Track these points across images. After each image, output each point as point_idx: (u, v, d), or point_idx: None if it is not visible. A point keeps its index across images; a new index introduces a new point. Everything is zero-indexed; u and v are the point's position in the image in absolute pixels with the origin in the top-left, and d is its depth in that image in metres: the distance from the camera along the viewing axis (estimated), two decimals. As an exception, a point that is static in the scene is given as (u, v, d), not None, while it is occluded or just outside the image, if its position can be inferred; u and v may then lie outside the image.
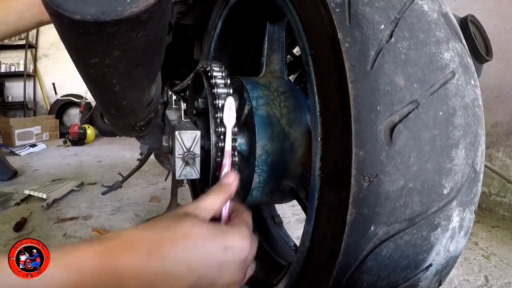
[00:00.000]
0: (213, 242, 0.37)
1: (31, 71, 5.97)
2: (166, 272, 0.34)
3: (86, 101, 5.07)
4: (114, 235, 0.35)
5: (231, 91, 0.56)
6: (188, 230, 0.37)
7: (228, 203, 0.47)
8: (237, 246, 0.39)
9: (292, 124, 0.55)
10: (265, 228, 0.90)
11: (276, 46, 0.68)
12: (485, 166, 1.14)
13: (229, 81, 0.58)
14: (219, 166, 0.52)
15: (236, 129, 0.52)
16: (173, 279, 0.34)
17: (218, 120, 0.53)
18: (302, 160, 0.55)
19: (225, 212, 0.46)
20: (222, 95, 0.55)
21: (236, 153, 0.52)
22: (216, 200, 0.44)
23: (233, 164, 0.50)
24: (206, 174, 0.58)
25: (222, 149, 0.51)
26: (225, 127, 0.51)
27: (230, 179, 0.47)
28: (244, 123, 0.59)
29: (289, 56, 1.10)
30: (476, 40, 1.01)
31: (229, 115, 0.51)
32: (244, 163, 0.59)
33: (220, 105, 0.53)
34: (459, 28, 0.41)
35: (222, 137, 0.52)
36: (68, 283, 0.29)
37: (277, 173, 0.55)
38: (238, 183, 0.47)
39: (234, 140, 0.51)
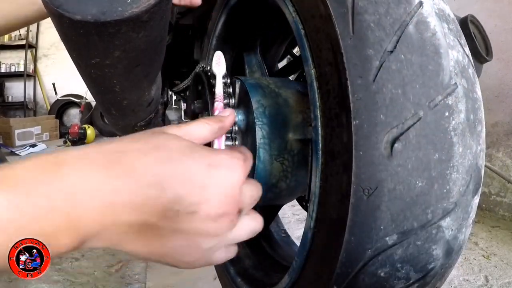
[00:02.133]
0: (193, 157, 0.29)
1: (31, 71, 5.97)
2: (130, 189, 0.26)
3: (86, 101, 5.07)
4: (68, 149, 0.27)
5: (233, 101, 0.58)
6: (163, 142, 0.29)
7: (222, 138, 0.40)
8: (225, 165, 0.30)
9: (280, 87, 0.59)
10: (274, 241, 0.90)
11: (256, 68, 0.78)
12: (485, 166, 1.14)
13: (229, 81, 0.58)
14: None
15: (228, 80, 0.54)
16: (139, 199, 0.26)
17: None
18: (299, 109, 0.56)
19: (218, 146, 0.40)
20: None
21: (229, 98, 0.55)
22: (205, 127, 0.34)
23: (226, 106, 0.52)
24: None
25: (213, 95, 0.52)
26: (215, 75, 0.53)
27: (225, 112, 0.39)
28: (238, 101, 0.61)
29: (289, 56, 1.10)
30: (476, 40, 1.01)
31: (219, 64, 0.52)
32: (245, 133, 0.60)
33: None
34: (463, 36, 0.41)
35: (213, 82, 0.53)
36: None
37: (279, 125, 0.55)
38: (234, 118, 0.40)
39: (225, 90, 0.54)
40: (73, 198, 0.24)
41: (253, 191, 0.33)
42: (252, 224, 0.33)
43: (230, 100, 0.57)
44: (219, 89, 0.51)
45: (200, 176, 0.28)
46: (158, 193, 0.26)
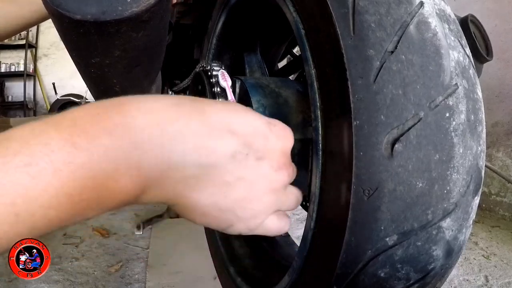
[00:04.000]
0: (254, 114, 0.30)
1: (31, 71, 5.97)
2: (201, 131, 0.25)
3: (86, 101, 5.07)
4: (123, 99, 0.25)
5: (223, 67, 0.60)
6: (223, 102, 0.30)
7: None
8: (281, 125, 0.31)
9: (280, 87, 0.59)
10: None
11: (256, 67, 0.79)
12: (485, 166, 1.14)
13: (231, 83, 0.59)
14: None
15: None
16: (211, 142, 0.25)
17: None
18: (299, 109, 0.56)
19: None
20: (222, 94, 0.56)
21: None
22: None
23: None
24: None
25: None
26: (222, 88, 0.55)
27: None
28: (238, 101, 0.61)
29: (289, 55, 1.10)
30: (476, 40, 1.01)
31: (225, 79, 0.55)
32: None
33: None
34: (463, 36, 0.41)
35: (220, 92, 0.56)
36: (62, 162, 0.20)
37: None
38: None
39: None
40: (137, 137, 0.23)
41: (295, 167, 0.34)
42: (297, 193, 0.34)
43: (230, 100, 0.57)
44: (230, 96, 0.54)
45: (263, 128, 0.29)
46: (229, 135, 0.26)
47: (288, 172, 0.31)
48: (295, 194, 0.33)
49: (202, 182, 0.26)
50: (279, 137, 0.30)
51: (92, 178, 0.21)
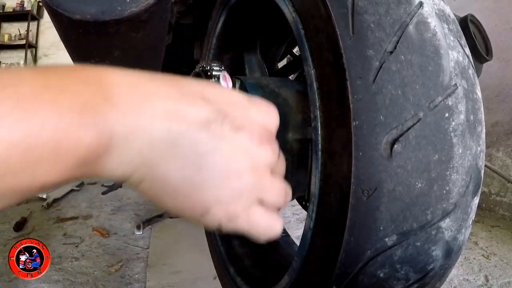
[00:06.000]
0: (234, 91, 0.28)
1: (31, 70, 5.96)
2: (171, 94, 0.24)
3: (86, 100, 5.06)
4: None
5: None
6: (202, 82, 0.28)
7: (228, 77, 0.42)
8: (263, 102, 0.29)
9: (280, 87, 0.59)
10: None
11: (256, 67, 0.78)
12: (485, 166, 1.14)
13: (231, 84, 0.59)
14: None
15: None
16: (183, 105, 0.24)
17: None
18: (299, 109, 0.56)
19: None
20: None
21: None
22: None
23: None
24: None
25: None
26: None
27: None
28: None
29: (289, 55, 1.10)
30: (476, 40, 1.01)
31: (226, 80, 0.53)
32: None
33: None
34: (463, 36, 0.41)
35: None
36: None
37: (279, 124, 0.56)
38: None
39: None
40: (108, 91, 0.22)
41: (284, 166, 0.31)
42: (284, 185, 0.29)
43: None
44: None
45: (241, 100, 0.27)
46: (203, 102, 0.25)
47: (272, 148, 0.27)
48: (282, 185, 0.29)
49: (172, 151, 0.24)
50: (260, 111, 0.27)
51: (57, 118, 0.19)
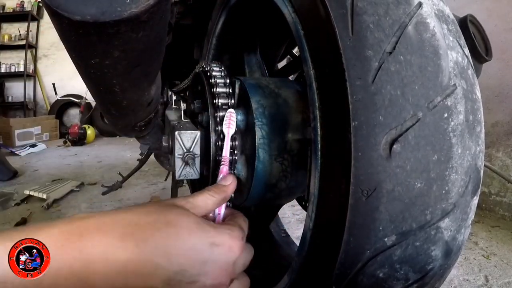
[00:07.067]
0: (199, 235, 0.34)
1: (31, 71, 5.98)
2: (140, 260, 0.30)
3: (86, 101, 5.07)
4: (86, 215, 0.32)
5: (232, 101, 0.57)
6: (174, 218, 0.34)
7: (223, 207, 0.44)
8: (226, 245, 0.35)
9: (280, 87, 0.59)
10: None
11: (256, 68, 0.79)
12: (485, 166, 1.14)
13: (228, 81, 0.58)
14: (218, 164, 0.52)
15: (235, 143, 0.53)
16: (148, 268, 0.31)
17: (217, 119, 0.54)
18: (298, 109, 0.56)
19: (218, 215, 0.43)
20: (222, 94, 0.56)
21: (233, 160, 0.53)
22: (210, 199, 0.40)
23: (230, 168, 0.50)
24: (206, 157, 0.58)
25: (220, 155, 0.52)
26: (224, 135, 0.52)
27: (227, 181, 0.44)
28: (238, 101, 0.60)
29: (288, 56, 1.10)
30: (475, 40, 1.01)
31: (229, 125, 0.52)
32: (244, 133, 0.59)
33: (219, 103, 0.54)
34: (462, 36, 0.41)
35: (220, 143, 0.52)
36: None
37: (278, 125, 0.55)
38: (235, 186, 0.46)
39: (232, 150, 0.52)
40: (90, 266, 0.29)
41: (246, 259, 0.39)
42: (244, 279, 0.40)
43: (230, 100, 0.57)
44: (226, 151, 0.50)
45: (203, 253, 0.33)
46: (165, 265, 0.31)
47: (223, 286, 0.35)
48: (241, 284, 0.39)
49: None
50: (219, 259, 0.34)
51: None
